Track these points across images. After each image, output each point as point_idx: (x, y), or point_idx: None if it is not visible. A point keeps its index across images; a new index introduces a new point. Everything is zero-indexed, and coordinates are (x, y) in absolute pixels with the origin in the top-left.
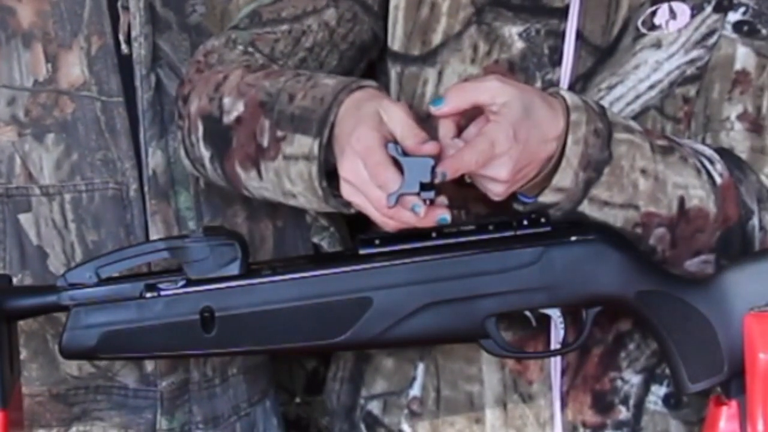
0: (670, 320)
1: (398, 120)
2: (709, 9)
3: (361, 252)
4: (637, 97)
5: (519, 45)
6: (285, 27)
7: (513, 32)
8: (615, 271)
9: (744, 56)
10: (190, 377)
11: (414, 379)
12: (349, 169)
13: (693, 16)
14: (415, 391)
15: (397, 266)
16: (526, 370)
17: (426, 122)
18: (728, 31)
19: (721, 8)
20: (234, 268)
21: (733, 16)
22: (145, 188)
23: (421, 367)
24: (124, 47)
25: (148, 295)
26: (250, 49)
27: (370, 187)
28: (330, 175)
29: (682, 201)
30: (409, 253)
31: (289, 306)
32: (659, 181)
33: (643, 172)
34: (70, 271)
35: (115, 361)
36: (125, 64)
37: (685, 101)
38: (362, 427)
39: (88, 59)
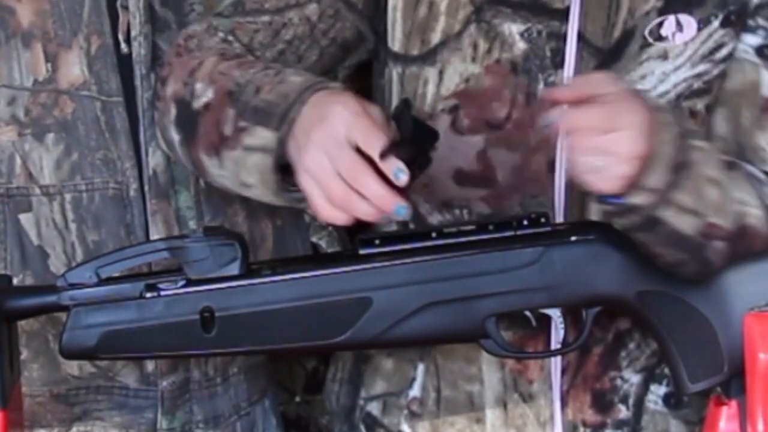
0: (670, 320)
1: (361, 125)
2: (716, 23)
3: (361, 252)
4: None
5: (521, 46)
6: (266, 18)
7: (513, 30)
8: (615, 271)
9: None
10: (191, 377)
11: (414, 379)
12: (311, 159)
13: (700, 29)
14: (415, 391)
15: (397, 266)
16: (526, 370)
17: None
18: (751, 55)
19: (729, 23)
20: (234, 268)
21: (754, 40)
22: (146, 188)
23: (420, 367)
24: (123, 47)
25: (148, 295)
26: (230, 38)
27: (332, 178)
28: (284, 170)
29: (740, 217)
30: (409, 253)
31: (289, 306)
32: (725, 194)
33: (712, 181)
34: (70, 271)
35: (116, 361)
36: (125, 64)
37: (692, 114)
38: (362, 428)
39: (88, 59)
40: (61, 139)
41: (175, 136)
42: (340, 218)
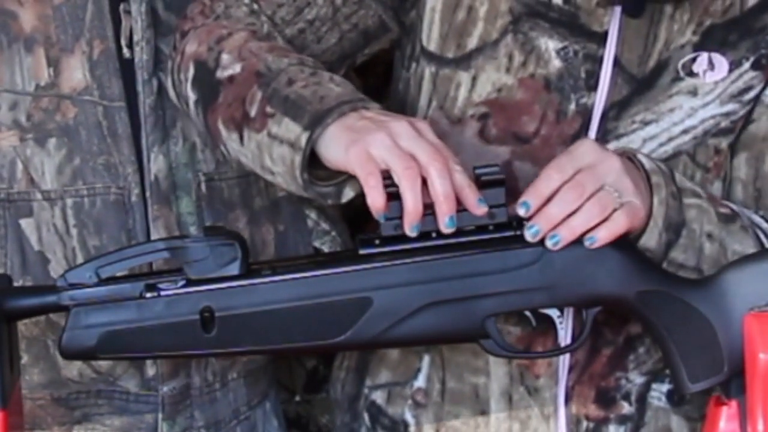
0: (670, 320)
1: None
2: (747, 65)
3: (361, 252)
4: (670, 139)
5: (556, 63)
6: None
7: (550, 47)
8: (615, 271)
9: None
10: (192, 382)
11: (419, 370)
12: (380, 140)
13: (731, 70)
14: (420, 382)
15: (397, 266)
16: (533, 365)
17: (456, 125)
18: None
19: (760, 66)
20: (234, 268)
21: None
22: (147, 193)
23: (426, 358)
24: (126, 51)
25: (148, 295)
26: (255, 7)
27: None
28: (312, 163)
29: None
30: (409, 253)
31: (290, 306)
32: (722, 247)
33: (710, 236)
34: (70, 271)
35: (116, 365)
36: (127, 69)
37: (717, 152)
38: (365, 417)
39: (90, 63)
40: (62, 144)
41: (191, 95)
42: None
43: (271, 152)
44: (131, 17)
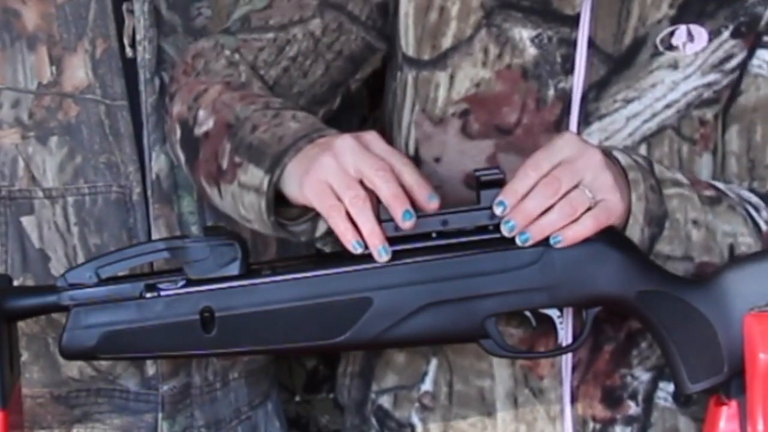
0: (670, 320)
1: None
2: (726, 34)
3: (362, 252)
4: (654, 115)
5: (532, 51)
6: (271, 35)
7: (524, 36)
8: (615, 271)
9: None
10: (192, 381)
11: (425, 374)
12: (326, 166)
13: (710, 40)
14: (427, 385)
15: (397, 266)
16: (536, 366)
17: (438, 125)
18: (765, 70)
19: (739, 34)
20: (234, 268)
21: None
22: (149, 192)
23: (434, 362)
24: (128, 51)
25: (148, 295)
26: (236, 57)
27: (351, 185)
28: (280, 202)
29: (731, 249)
30: (409, 253)
31: (290, 306)
32: (710, 231)
33: (695, 223)
34: (70, 271)
35: (116, 364)
36: (130, 68)
37: (702, 123)
38: (373, 420)
39: (93, 62)
40: (64, 143)
41: (181, 155)
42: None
43: (243, 201)
44: (134, 16)
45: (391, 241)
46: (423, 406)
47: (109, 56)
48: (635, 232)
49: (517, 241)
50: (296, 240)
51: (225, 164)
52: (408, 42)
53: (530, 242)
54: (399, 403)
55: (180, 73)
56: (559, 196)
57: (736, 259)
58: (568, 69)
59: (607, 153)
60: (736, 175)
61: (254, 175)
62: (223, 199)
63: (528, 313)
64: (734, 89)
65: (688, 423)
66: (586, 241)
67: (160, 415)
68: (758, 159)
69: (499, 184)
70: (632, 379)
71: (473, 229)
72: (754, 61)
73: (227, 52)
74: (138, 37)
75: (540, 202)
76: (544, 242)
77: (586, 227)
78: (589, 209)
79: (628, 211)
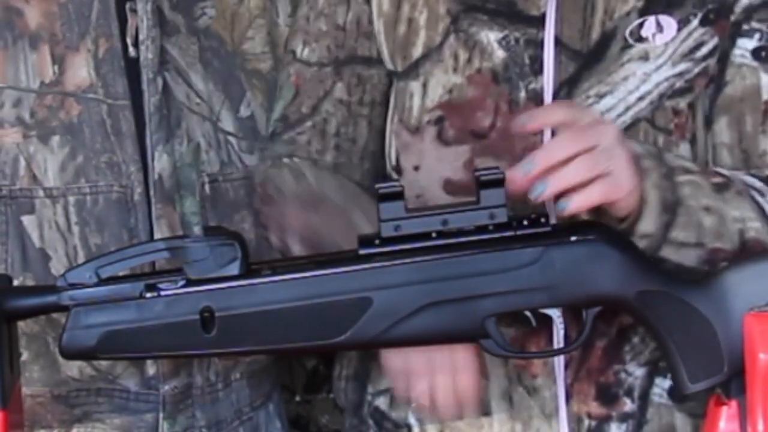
0: (670, 320)
1: None
2: (695, 22)
3: (361, 252)
4: (627, 108)
5: (500, 54)
6: (309, 123)
7: (491, 39)
8: (615, 271)
9: None
10: (193, 382)
11: None
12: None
13: (679, 29)
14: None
15: (397, 266)
16: (529, 365)
17: (415, 134)
18: (748, 59)
19: (708, 21)
20: (234, 268)
21: (750, 44)
22: (151, 192)
23: None
24: (131, 50)
25: (148, 295)
26: (296, 162)
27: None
28: None
29: (741, 234)
30: (409, 253)
31: (289, 306)
32: (721, 217)
33: (707, 209)
34: (70, 271)
35: (116, 364)
36: (132, 67)
37: (675, 113)
38: (370, 422)
39: (95, 62)
40: (66, 142)
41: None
42: None
43: None
44: (137, 16)
45: (391, 241)
46: (419, 406)
47: (111, 55)
48: (651, 221)
49: (532, 193)
50: None
51: None
52: (385, 57)
53: (545, 195)
54: (395, 405)
55: (260, 203)
56: (581, 149)
57: (735, 260)
58: (537, 69)
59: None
60: (730, 166)
61: None
62: None
63: (528, 313)
64: (718, 81)
65: (684, 419)
66: (586, 241)
67: (160, 415)
68: (751, 149)
69: (499, 183)
70: (627, 375)
71: (473, 229)
72: (736, 51)
73: (286, 161)
74: (141, 37)
75: (560, 149)
76: (545, 241)
77: (592, 197)
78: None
79: (641, 199)
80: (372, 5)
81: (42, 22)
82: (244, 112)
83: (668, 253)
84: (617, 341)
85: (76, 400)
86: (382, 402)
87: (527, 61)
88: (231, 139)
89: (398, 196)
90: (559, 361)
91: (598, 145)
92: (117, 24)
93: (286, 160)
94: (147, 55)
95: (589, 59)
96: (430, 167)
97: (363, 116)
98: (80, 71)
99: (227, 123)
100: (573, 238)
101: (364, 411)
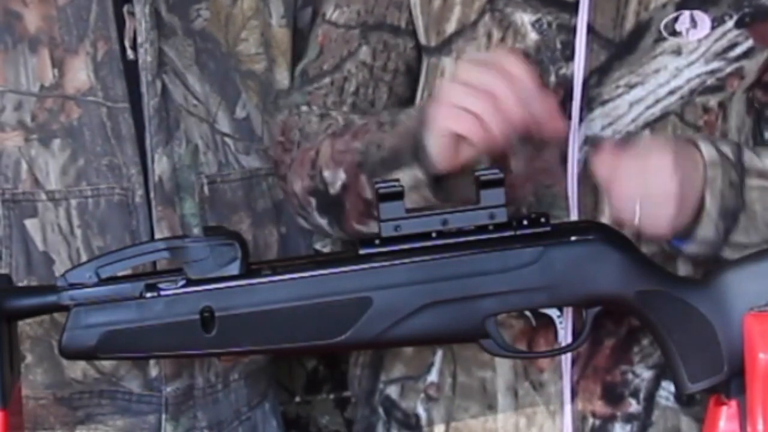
0: (670, 320)
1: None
2: (730, 23)
3: (361, 252)
4: (657, 101)
5: (533, 36)
6: (327, 80)
7: (525, 20)
8: (615, 271)
9: None
10: (195, 383)
11: (432, 364)
12: (452, 94)
13: (714, 27)
14: (433, 376)
15: (397, 266)
16: (536, 359)
17: None
18: None
19: (743, 24)
20: (234, 268)
21: None
22: (151, 194)
23: (439, 353)
24: (129, 53)
25: (148, 295)
26: (315, 109)
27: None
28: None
29: None
30: (409, 253)
31: (289, 306)
32: None
33: None
34: (70, 271)
35: (119, 366)
36: (131, 70)
37: (705, 110)
38: (381, 411)
39: (94, 65)
40: (67, 145)
41: (322, 221)
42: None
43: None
44: (135, 19)
45: (391, 241)
46: (428, 396)
47: (110, 58)
48: (709, 229)
49: None
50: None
51: (369, 194)
52: (419, 31)
53: None
54: (405, 394)
55: (280, 153)
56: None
57: (735, 260)
58: (569, 55)
59: (693, 143)
60: None
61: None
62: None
63: (528, 313)
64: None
65: (690, 423)
66: (586, 241)
67: (163, 417)
68: None
69: (499, 183)
70: (633, 376)
71: (473, 229)
72: None
73: (305, 109)
74: (139, 40)
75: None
76: (545, 241)
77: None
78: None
79: (700, 208)
80: None
81: (41, 26)
82: (239, 113)
83: (730, 254)
84: (626, 341)
85: (79, 402)
86: (393, 390)
87: (559, 46)
88: (228, 140)
89: (398, 196)
90: (566, 357)
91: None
92: (115, 27)
93: (304, 108)
94: (146, 57)
95: (621, 49)
96: None
97: (384, 82)
98: (80, 74)
99: (224, 124)
100: (573, 238)
101: (375, 399)
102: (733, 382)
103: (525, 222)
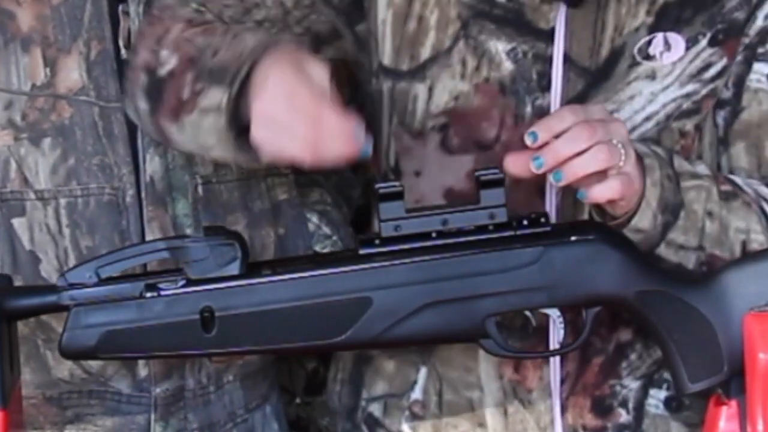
0: (670, 320)
1: (320, 79)
2: (704, 42)
3: (361, 252)
4: (633, 128)
5: (508, 66)
6: None
7: (500, 49)
8: (615, 271)
9: None
10: (185, 384)
11: (415, 382)
12: (267, 101)
13: (688, 48)
14: (417, 394)
15: (397, 266)
16: (524, 380)
17: (418, 139)
18: (765, 84)
19: (717, 42)
20: (234, 268)
21: (766, 68)
22: (142, 194)
23: (423, 371)
24: (123, 52)
25: (148, 294)
26: (202, 9)
27: (293, 116)
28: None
29: (744, 245)
30: (409, 253)
31: (289, 306)
32: (723, 226)
33: (710, 214)
34: (70, 271)
35: (107, 366)
36: (124, 70)
37: (682, 135)
38: (364, 428)
39: (87, 64)
40: (57, 144)
41: (143, 106)
42: (311, 159)
43: (202, 126)
44: (129, 18)
45: (391, 241)
46: (413, 414)
47: (103, 58)
48: (647, 218)
49: (552, 180)
50: (257, 165)
51: (186, 94)
52: (385, 51)
53: (564, 182)
54: (389, 412)
55: (146, 25)
56: (593, 143)
57: (735, 260)
58: (545, 86)
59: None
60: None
61: (214, 96)
62: (183, 133)
63: (528, 313)
64: (734, 106)
65: (680, 429)
66: (586, 241)
67: (152, 417)
68: None
69: (499, 183)
70: (621, 387)
71: (473, 229)
72: (752, 76)
73: (194, 5)
74: (133, 39)
75: (573, 145)
76: (544, 241)
77: (613, 189)
78: (616, 167)
79: (642, 196)
80: None
81: (34, 25)
82: None
83: (666, 253)
84: (614, 358)
85: (68, 402)
86: (376, 408)
87: (535, 76)
88: None
89: (398, 196)
90: (555, 377)
91: (611, 139)
92: (109, 26)
93: (194, 4)
94: None
95: (597, 76)
96: (433, 174)
97: (291, 32)
98: (72, 74)
99: None
100: (573, 238)
101: (357, 416)
102: (733, 382)
103: (525, 222)
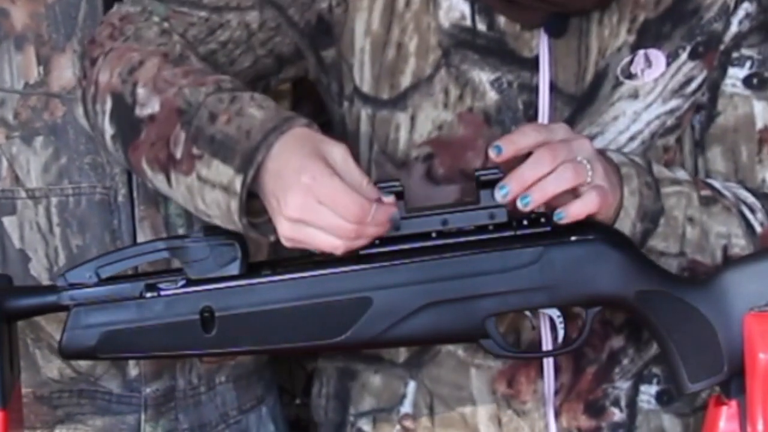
0: (670, 320)
1: (342, 162)
2: (684, 56)
3: (361, 252)
4: (619, 149)
5: (492, 96)
6: (203, 14)
7: (483, 79)
8: (615, 271)
9: (763, 112)
10: (176, 385)
11: (404, 396)
12: (296, 206)
13: (668, 63)
14: (407, 408)
15: (397, 266)
16: (518, 393)
17: (401, 168)
18: (740, 88)
19: (697, 55)
20: (234, 268)
21: (740, 72)
22: (134, 194)
23: (412, 384)
24: None
25: (148, 295)
26: (166, 26)
27: (327, 217)
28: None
29: (725, 250)
30: (409, 253)
31: (289, 306)
32: (703, 231)
33: (691, 220)
34: (70, 270)
35: (96, 366)
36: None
37: (665, 150)
38: None
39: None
40: (49, 143)
41: (109, 129)
42: (343, 247)
43: (203, 196)
44: None
45: (391, 241)
46: (404, 428)
47: None
48: (626, 227)
49: (519, 205)
50: (262, 240)
51: (179, 154)
52: (363, 78)
53: (532, 205)
54: (379, 426)
55: (105, 36)
56: (557, 164)
57: (735, 259)
58: (532, 116)
59: (599, 151)
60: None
61: (221, 172)
62: (173, 188)
63: (528, 313)
64: (710, 111)
65: (672, 420)
66: (586, 241)
67: (142, 417)
68: (748, 178)
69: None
70: (614, 389)
71: (473, 229)
72: (727, 80)
73: (156, 19)
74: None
75: (536, 169)
76: (544, 241)
77: (591, 201)
78: (586, 185)
79: (620, 206)
80: (356, 20)
81: (28, 23)
82: None
83: None
84: (607, 365)
85: (59, 401)
86: (365, 423)
87: (521, 106)
88: None
89: (398, 196)
90: (549, 388)
91: (576, 157)
92: None
93: (156, 18)
94: None
95: (583, 102)
96: (418, 204)
97: (255, 53)
98: (65, 72)
99: None
100: (573, 238)
101: (346, 431)
102: (733, 382)
103: (525, 222)
